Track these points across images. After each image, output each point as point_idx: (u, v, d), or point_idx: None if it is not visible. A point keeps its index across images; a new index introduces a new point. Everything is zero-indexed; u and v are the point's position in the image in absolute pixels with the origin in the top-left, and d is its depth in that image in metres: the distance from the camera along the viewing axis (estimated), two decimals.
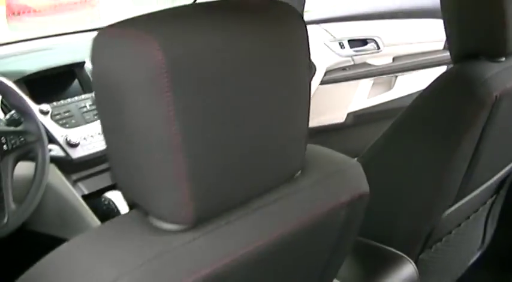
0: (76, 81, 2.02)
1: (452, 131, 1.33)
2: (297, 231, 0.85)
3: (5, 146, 1.59)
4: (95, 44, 0.70)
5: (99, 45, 0.70)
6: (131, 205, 0.79)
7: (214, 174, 0.73)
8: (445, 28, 1.43)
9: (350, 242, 1.05)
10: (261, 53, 0.75)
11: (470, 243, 1.82)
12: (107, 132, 0.74)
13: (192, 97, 0.68)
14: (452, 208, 1.47)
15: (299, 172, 0.87)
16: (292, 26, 0.80)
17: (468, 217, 1.69)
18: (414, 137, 1.43)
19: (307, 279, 1.04)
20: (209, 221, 0.76)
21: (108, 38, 0.70)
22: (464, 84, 1.33)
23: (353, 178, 0.94)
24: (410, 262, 1.35)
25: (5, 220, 1.55)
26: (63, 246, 0.75)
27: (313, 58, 2.69)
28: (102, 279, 0.68)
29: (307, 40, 0.82)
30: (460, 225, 1.66)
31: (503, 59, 1.38)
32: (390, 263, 1.34)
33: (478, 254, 1.88)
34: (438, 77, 1.40)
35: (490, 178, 1.58)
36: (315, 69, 2.69)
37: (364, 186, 0.95)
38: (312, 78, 2.70)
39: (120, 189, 0.78)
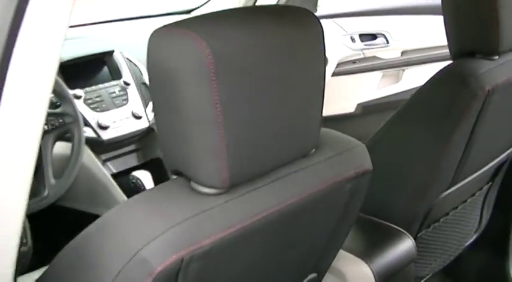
0: (106, 69, 2.17)
1: (447, 120, 1.48)
2: (310, 199, 1.02)
3: (45, 127, 1.74)
4: (153, 40, 0.87)
5: (156, 40, 0.87)
6: (175, 174, 0.95)
7: (247, 147, 0.90)
8: (445, 27, 1.58)
9: (354, 214, 1.21)
10: (285, 49, 0.92)
11: (467, 225, 1.96)
12: (159, 111, 0.91)
13: (231, 83, 0.85)
14: (449, 191, 1.62)
15: (314, 149, 1.04)
16: (310, 27, 0.96)
17: (465, 200, 1.84)
18: (414, 125, 1.59)
19: (316, 246, 1.20)
20: (240, 187, 0.92)
21: (164, 35, 0.86)
22: (459, 78, 1.49)
23: (358, 156, 1.10)
24: (409, 237, 1.50)
25: (45, 193, 1.70)
26: (122, 204, 0.92)
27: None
28: (154, 230, 0.85)
29: (323, 39, 0.98)
30: (457, 207, 1.81)
31: (497, 57, 1.52)
32: (390, 237, 1.50)
33: (474, 237, 2.02)
34: (438, 72, 1.55)
35: (484, 165, 1.72)
36: (327, 62, 2.83)
37: (368, 164, 1.11)
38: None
39: (165, 160, 0.95)
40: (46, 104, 0.85)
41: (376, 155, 1.57)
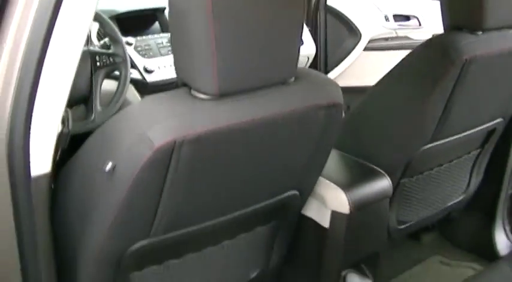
0: (157, 23, 2.50)
1: (428, 81, 1.74)
2: (288, 117, 1.32)
3: (98, 63, 2.08)
4: None
5: None
6: (182, 85, 1.27)
7: (234, 65, 1.21)
8: (440, 2, 1.85)
9: (329, 145, 1.50)
10: None
11: (454, 185, 2.21)
12: (174, 40, 1.23)
13: (224, 15, 1.15)
14: (429, 146, 1.87)
15: (293, 78, 1.34)
16: None
17: (451, 161, 2.10)
18: (400, 83, 1.86)
19: (294, 165, 1.49)
20: (228, 97, 1.24)
21: None
22: (442, 47, 1.75)
23: (331, 91, 1.40)
24: (387, 178, 1.77)
25: (92, 117, 2.03)
26: (140, 101, 1.25)
27: (359, 27, 3.12)
28: (157, 118, 1.17)
29: None
30: (442, 165, 2.07)
31: (481, 33, 1.78)
32: (369, 175, 1.78)
33: (461, 197, 2.27)
34: (426, 40, 1.82)
35: (465, 130, 1.96)
36: (361, 37, 3.11)
37: (339, 99, 1.40)
38: (357, 44, 3.14)
39: (177, 74, 1.27)
40: (86, 31, 1.19)
41: (368, 107, 1.87)
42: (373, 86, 1.92)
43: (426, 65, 1.77)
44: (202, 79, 1.21)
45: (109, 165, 1.20)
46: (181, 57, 1.24)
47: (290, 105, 1.32)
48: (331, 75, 3.17)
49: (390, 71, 1.87)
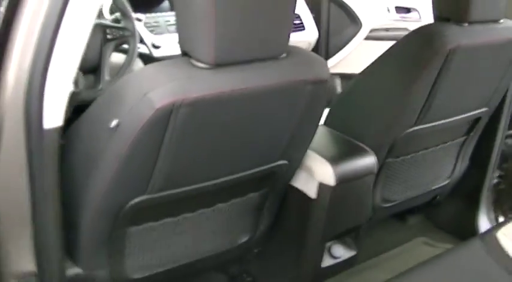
0: (166, 2, 2.62)
1: (412, 68, 1.85)
2: (277, 88, 1.45)
3: (108, 36, 2.20)
4: None
5: None
6: (183, 54, 1.40)
7: (231, 36, 1.33)
8: None
9: (315, 119, 1.63)
10: None
11: (439, 169, 2.32)
12: (178, 13, 1.37)
13: None
14: (414, 128, 1.98)
15: (284, 54, 1.46)
16: None
17: (436, 145, 2.21)
18: (387, 69, 1.97)
19: (282, 135, 1.61)
20: (224, 67, 1.36)
21: None
22: (428, 36, 1.86)
23: (318, 67, 1.52)
24: (372, 155, 1.90)
25: (100, 86, 2.16)
26: (144, 66, 1.37)
27: (361, 17, 3.24)
28: (158, 82, 1.30)
29: None
30: (427, 149, 2.19)
31: (466, 24, 1.89)
32: (356, 151, 1.90)
33: (446, 182, 2.39)
34: (414, 29, 1.94)
35: (448, 117, 2.06)
36: (361, 26, 3.22)
37: (325, 76, 1.52)
38: (357, 32, 3.25)
39: (179, 44, 1.39)
40: (98, 4, 1.33)
41: (358, 88, 1.99)
42: (364, 68, 2.03)
43: (413, 52, 1.88)
44: (201, 49, 1.34)
45: (114, 123, 1.33)
46: (184, 28, 1.37)
47: (280, 78, 1.45)
48: (332, 61, 3.29)
49: (380, 56, 1.98)
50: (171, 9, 2.59)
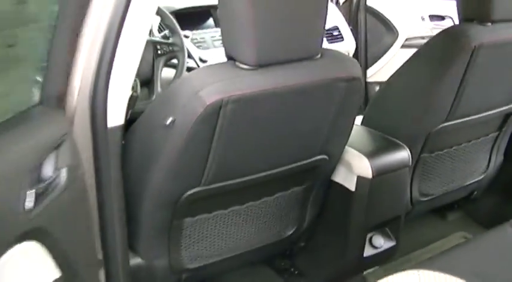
0: (211, 19, 2.80)
1: (441, 65, 2.00)
2: (314, 86, 1.61)
3: (159, 51, 2.39)
4: None
5: None
6: (228, 58, 1.57)
7: (271, 40, 1.51)
8: None
9: (351, 113, 1.78)
10: None
11: (473, 164, 2.44)
12: (222, 23, 1.55)
13: (262, 2, 1.45)
14: (445, 124, 2.11)
15: (319, 55, 1.62)
16: None
17: (469, 141, 2.33)
18: (418, 66, 2.11)
19: (320, 130, 1.76)
20: (265, 68, 1.53)
21: None
22: (454, 36, 2.01)
23: (351, 66, 1.68)
24: (406, 149, 2.03)
25: (154, 98, 2.34)
26: (196, 69, 1.55)
27: (397, 26, 3.38)
28: (208, 81, 1.48)
29: None
30: (460, 144, 2.31)
31: (489, 24, 2.02)
32: (391, 146, 2.05)
33: (481, 176, 2.50)
34: (442, 30, 2.08)
35: (479, 112, 2.19)
36: (398, 35, 3.37)
37: (357, 74, 1.67)
38: (394, 41, 3.40)
39: (225, 50, 1.57)
40: (150, 23, 1.53)
41: (392, 86, 2.14)
42: (398, 68, 2.18)
43: (440, 51, 2.03)
44: (244, 53, 1.52)
45: (169, 120, 1.51)
46: (228, 36, 1.55)
47: (315, 77, 1.61)
48: (371, 70, 3.42)
49: (411, 57, 2.13)
50: (216, 25, 2.77)
